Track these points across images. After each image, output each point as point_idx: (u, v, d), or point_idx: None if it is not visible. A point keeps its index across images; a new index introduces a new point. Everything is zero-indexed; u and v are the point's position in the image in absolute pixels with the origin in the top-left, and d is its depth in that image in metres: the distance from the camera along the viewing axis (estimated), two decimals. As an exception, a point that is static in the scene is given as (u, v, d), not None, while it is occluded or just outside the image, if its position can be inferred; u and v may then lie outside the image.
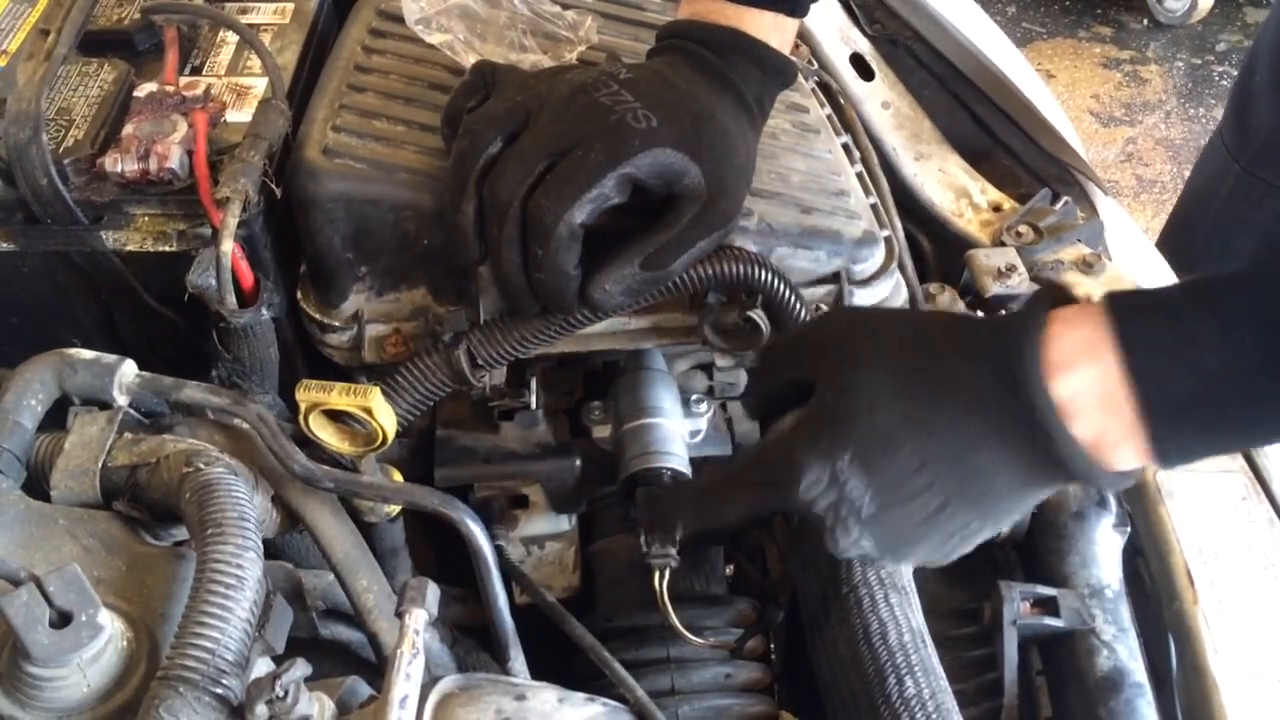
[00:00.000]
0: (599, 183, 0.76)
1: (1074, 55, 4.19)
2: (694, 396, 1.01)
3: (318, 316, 0.93)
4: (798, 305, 0.89)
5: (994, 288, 1.04)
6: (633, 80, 0.82)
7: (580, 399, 1.02)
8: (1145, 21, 4.31)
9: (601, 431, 0.99)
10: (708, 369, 1.05)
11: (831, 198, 0.97)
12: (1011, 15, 4.36)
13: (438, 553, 1.08)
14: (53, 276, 0.89)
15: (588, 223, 0.78)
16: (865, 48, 1.28)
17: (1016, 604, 0.90)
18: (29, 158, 0.81)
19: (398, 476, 0.86)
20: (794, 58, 1.17)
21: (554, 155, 0.78)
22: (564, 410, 1.02)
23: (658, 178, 0.79)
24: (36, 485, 0.73)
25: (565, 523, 1.05)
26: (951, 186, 1.21)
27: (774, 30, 0.89)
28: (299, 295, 0.94)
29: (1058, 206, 1.14)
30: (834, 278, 0.95)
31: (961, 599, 0.94)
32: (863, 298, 0.96)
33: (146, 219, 0.86)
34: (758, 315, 0.89)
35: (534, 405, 0.97)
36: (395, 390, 0.89)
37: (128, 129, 0.84)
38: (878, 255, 0.97)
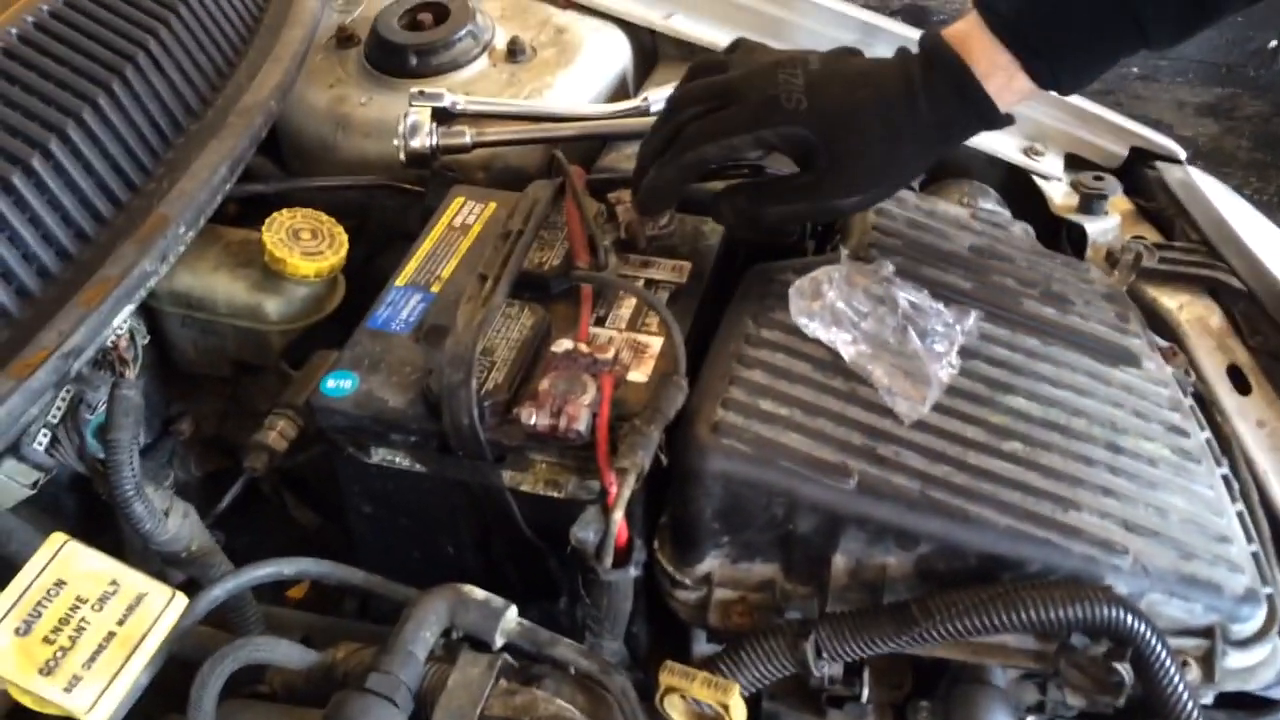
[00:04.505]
0: (734, 135, 0.96)
1: None
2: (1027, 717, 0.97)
3: (671, 571, 0.97)
4: (1169, 662, 0.85)
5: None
6: (814, 70, 0.97)
7: (908, 693, 1.00)
8: None
9: (927, 733, 0.96)
10: (1042, 684, 1.00)
11: (1213, 543, 0.92)
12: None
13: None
14: (447, 496, 0.97)
15: (717, 163, 1.01)
16: (1244, 359, 1.22)
17: None
18: (458, 399, 0.90)
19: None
20: (1170, 365, 1.13)
21: (718, 101, 0.99)
22: (891, 704, 1.00)
23: (790, 147, 0.97)
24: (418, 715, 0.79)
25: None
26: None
27: (1005, 83, 0.94)
28: (655, 545, 0.98)
29: None
30: (1206, 632, 0.90)
31: None
32: (1237, 659, 0.90)
33: (544, 466, 0.93)
34: (1124, 669, 0.85)
35: (865, 698, 0.96)
36: (737, 664, 0.90)
37: (544, 384, 0.92)
38: (1259, 616, 0.91)
